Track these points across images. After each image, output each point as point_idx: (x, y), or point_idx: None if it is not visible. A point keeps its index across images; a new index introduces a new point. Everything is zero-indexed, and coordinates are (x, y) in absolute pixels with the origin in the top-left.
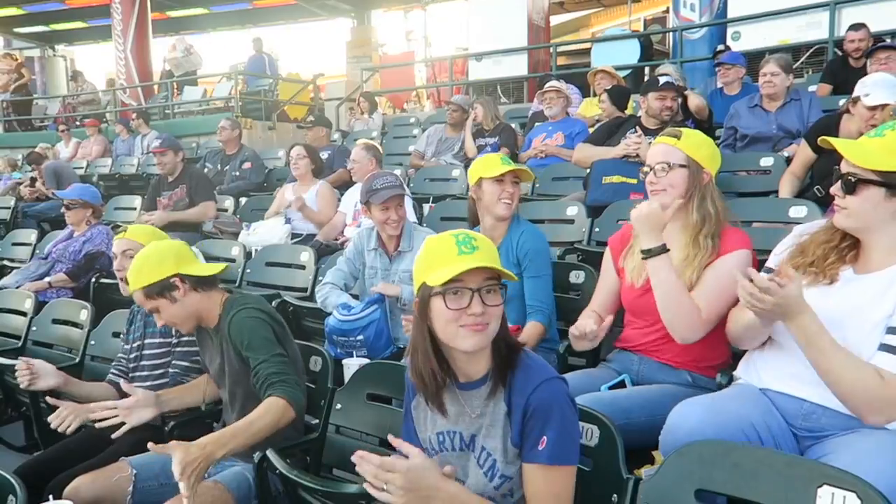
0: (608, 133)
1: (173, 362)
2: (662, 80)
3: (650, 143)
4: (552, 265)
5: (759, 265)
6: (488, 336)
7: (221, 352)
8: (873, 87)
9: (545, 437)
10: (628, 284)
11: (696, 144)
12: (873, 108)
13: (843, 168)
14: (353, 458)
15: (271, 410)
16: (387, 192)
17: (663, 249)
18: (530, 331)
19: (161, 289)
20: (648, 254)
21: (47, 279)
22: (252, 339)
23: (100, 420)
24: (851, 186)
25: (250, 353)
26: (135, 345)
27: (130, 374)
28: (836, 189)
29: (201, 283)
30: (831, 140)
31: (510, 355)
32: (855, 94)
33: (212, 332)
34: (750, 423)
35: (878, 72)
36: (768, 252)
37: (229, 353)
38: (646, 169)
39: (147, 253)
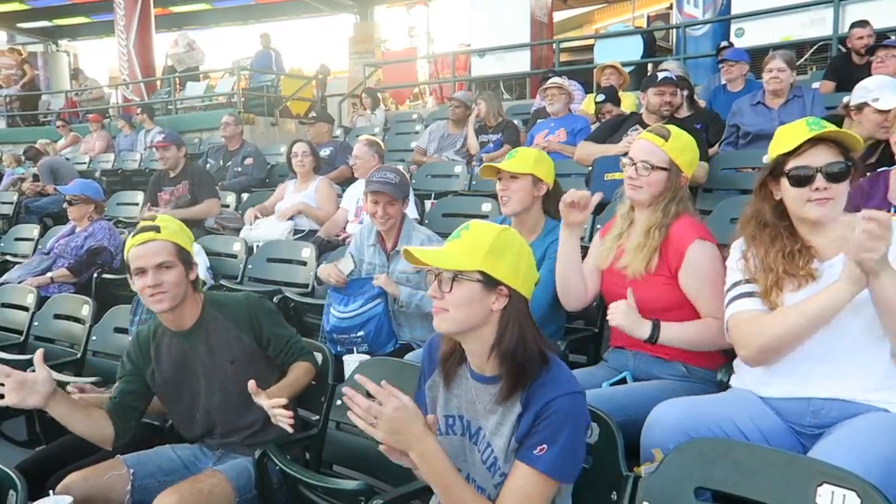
0: (610, 130)
1: None
2: (661, 75)
3: None
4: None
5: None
6: (448, 321)
7: (205, 350)
8: (881, 91)
9: (546, 447)
10: (598, 267)
11: (680, 148)
12: (884, 112)
13: (823, 160)
14: (343, 391)
15: (310, 372)
16: (374, 185)
17: (657, 327)
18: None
19: (186, 259)
20: (652, 339)
21: (49, 274)
22: (275, 319)
23: None
24: (844, 174)
25: (279, 332)
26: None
27: None
28: (819, 183)
29: (194, 282)
30: (836, 130)
31: (527, 364)
32: (858, 100)
33: (181, 335)
34: (732, 424)
35: (876, 75)
36: None
37: (222, 347)
38: (626, 161)
39: (183, 225)
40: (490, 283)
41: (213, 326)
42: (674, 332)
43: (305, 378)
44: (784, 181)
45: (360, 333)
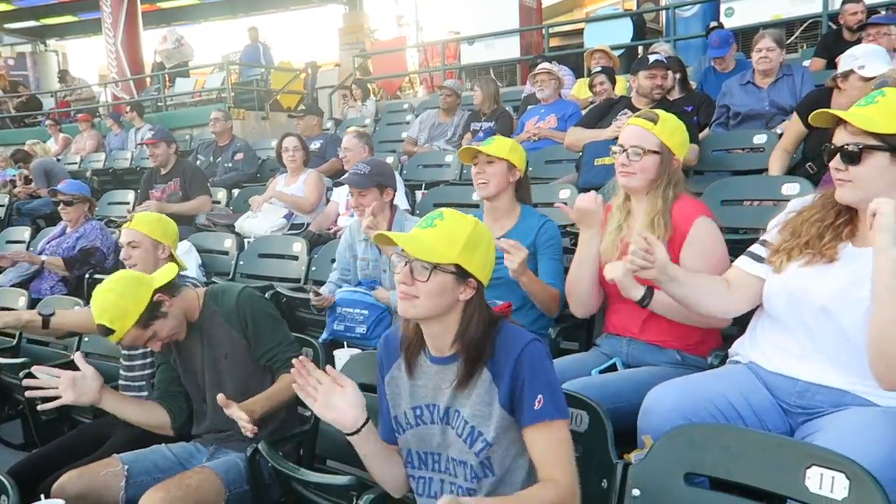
0: (599, 115)
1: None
2: (652, 58)
3: None
4: None
5: (745, 242)
6: (417, 307)
7: (204, 343)
8: (867, 59)
9: (541, 396)
10: (603, 261)
11: (670, 130)
12: (869, 79)
13: (841, 139)
14: (294, 363)
15: (287, 385)
16: (344, 179)
17: (650, 292)
18: (551, 290)
19: (151, 314)
20: (643, 301)
21: (42, 256)
22: (265, 324)
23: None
24: (856, 156)
25: (265, 334)
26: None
27: (124, 371)
28: (836, 163)
29: (174, 287)
30: (834, 111)
31: (486, 345)
32: (845, 67)
33: (191, 328)
34: (726, 401)
35: (865, 44)
36: (760, 229)
37: (216, 342)
38: (617, 148)
39: (118, 292)
40: (462, 275)
41: (212, 320)
42: (667, 299)
43: (287, 392)
44: None
45: (364, 312)
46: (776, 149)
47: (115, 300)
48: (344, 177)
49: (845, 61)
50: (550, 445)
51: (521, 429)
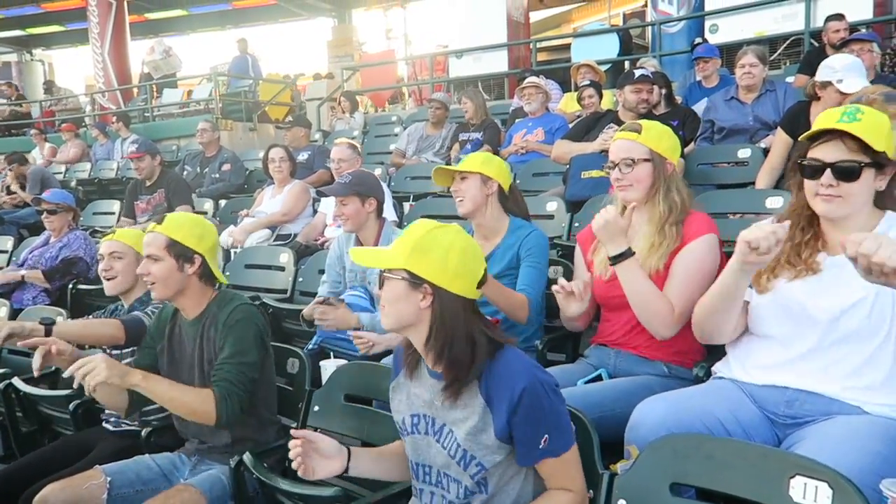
0: (586, 128)
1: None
2: (637, 73)
3: None
4: None
5: (730, 255)
6: (386, 316)
7: (198, 343)
8: (845, 73)
9: (547, 436)
10: (596, 276)
11: (657, 136)
12: (846, 94)
13: (834, 156)
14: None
15: (203, 401)
16: (330, 186)
17: (629, 253)
18: (521, 297)
19: (181, 253)
20: (616, 260)
21: (21, 271)
22: (234, 340)
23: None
24: (856, 173)
25: (225, 350)
26: None
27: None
28: (828, 179)
29: (207, 277)
30: (841, 126)
31: (459, 361)
32: (823, 77)
33: (188, 323)
34: (714, 418)
35: (844, 54)
36: None
37: (208, 345)
38: (609, 165)
39: (196, 221)
40: (416, 281)
41: (209, 322)
42: (639, 272)
43: (191, 401)
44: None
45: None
46: (764, 166)
47: (190, 219)
48: (333, 187)
49: (823, 71)
50: (560, 468)
51: (526, 465)
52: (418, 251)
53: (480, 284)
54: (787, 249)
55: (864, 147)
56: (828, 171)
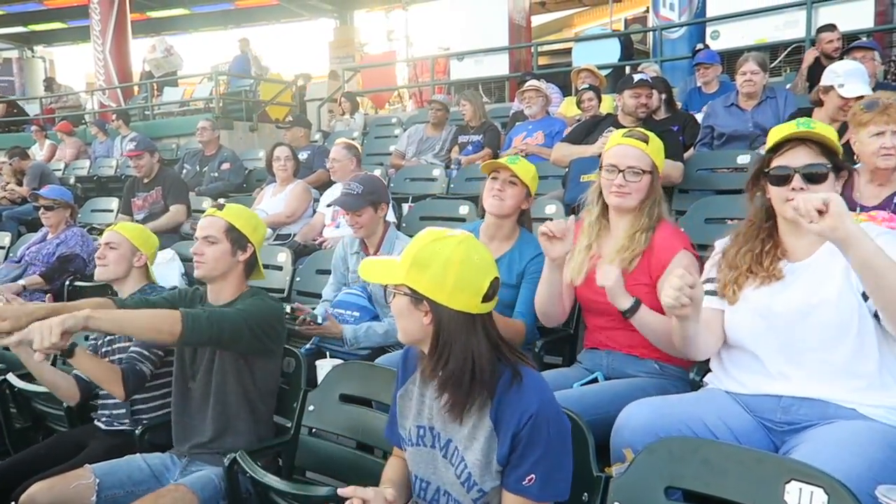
0: (586, 132)
1: (132, 347)
2: (636, 77)
3: None
4: None
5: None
6: (399, 330)
7: None
8: (847, 78)
9: (533, 476)
10: (567, 281)
11: (658, 149)
12: (847, 99)
13: (802, 161)
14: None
15: (167, 315)
16: (342, 201)
17: (637, 304)
18: (516, 324)
19: (238, 239)
20: (629, 313)
21: (21, 281)
22: (244, 307)
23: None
24: (824, 176)
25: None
26: (106, 338)
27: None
28: (798, 183)
29: (250, 269)
30: (810, 132)
31: (460, 380)
32: (826, 82)
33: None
34: (701, 423)
35: (848, 60)
36: None
37: None
38: (609, 168)
39: (252, 213)
40: (416, 297)
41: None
42: (651, 317)
43: (153, 317)
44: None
45: (355, 314)
46: None
47: (250, 212)
48: (336, 199)
49: (827, 76)
50: None
51: (502, 487)
52: (416, 266)
53: (488, 298)
54: (749, 259)
55: (826, 151)
56: (797, 176)
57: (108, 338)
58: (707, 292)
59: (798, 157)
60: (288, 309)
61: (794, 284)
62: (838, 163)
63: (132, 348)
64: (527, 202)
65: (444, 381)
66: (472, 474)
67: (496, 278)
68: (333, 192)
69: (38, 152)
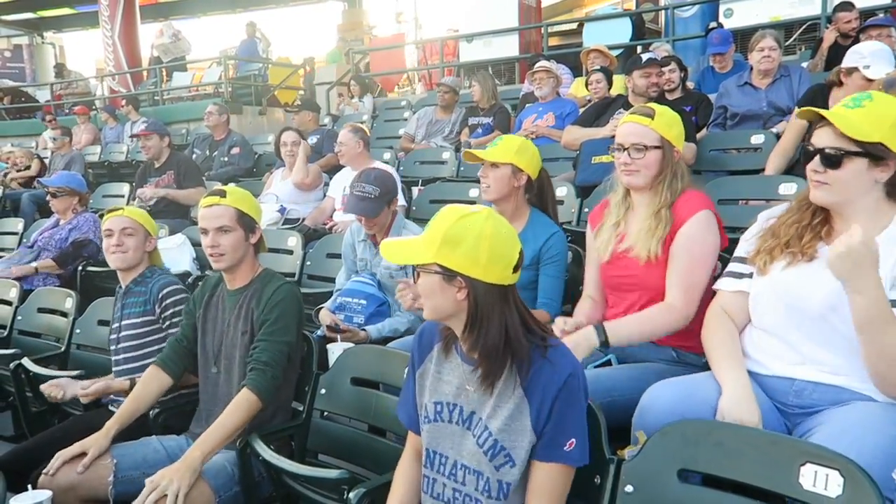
0: (596, 114)
1: (159, 345)
2: (645, 56)
3: None
4: None
5: (731, 242)
6: (425, 308)
7: (235, 314)
8: (873, 59)
9: (574, 440)
10: (600, 259)
11: (668, 124)
12: (871, 81)
13: (822, 141)
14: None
15: (241, 407)
16: (349, 208)
17: (604, 335)
18: (540, 314)
19: (248, 223)
20: (604, 343)
21: (34, 264)
22: (276, 317)
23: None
24: (837, 160)
25: (266, 328)
26: (114, 326)
27: (113, 358)
28: (815, 164)
29: (256, 249)
30: (820, 111)
31: (498, 352)
32: (850, 63)
33: (229, 293)
34: None
35: (872, 41)
36: None
37: (246, 317)
38: (617, 147)
39: (249, 194)
40: (449, 274)
41: (252, 295)
42: (623, 327)
43: (236, 416)
44: None
45: (362, 302)
46: (776, 149)
47: (250, 197)
48: (351, 206)
49: (851, 57)
50: (555, 487)
51: (536, 459)
52: (448, 243)
53: (517, 268)
54: (793, 232)
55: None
56: (817, 157)
57: (118, 346)
58: (735, 274)
59: (822, 137)
60: (326, 324)
61: (825, 272)
62: (873, 149)
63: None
64: (518, 178)
65: (485, 353)
66: (499, 440)
67: (521, 249)
68: (343, 176)
69: (49, 139)
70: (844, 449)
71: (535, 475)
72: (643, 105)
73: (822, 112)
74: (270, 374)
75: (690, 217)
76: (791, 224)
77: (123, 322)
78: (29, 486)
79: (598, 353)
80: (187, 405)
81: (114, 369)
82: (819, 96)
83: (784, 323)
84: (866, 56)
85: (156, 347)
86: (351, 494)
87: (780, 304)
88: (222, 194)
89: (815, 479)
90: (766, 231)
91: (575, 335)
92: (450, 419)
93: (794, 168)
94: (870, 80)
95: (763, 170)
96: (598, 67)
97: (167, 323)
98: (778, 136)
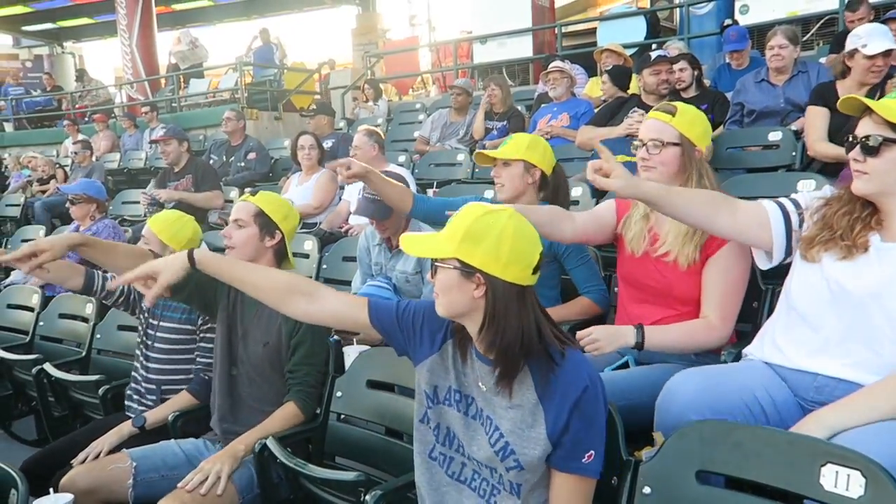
0: (610, 114)
1: (198, 358)
2: (654, 54)
3: None
4: None
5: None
6: (439, 305)
7: (259, 320)
8: (868, 37)
9: (593, 452)
10: (628, 253)
11: (689, 121)
12: (873, 57)
13: (864, 130)
14: None
15: (287, 419)
16: (357, 212)
17: (641, 332)
18: (580, 302)
19: (266, 224)
20: (639, 346)
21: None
22: (312, 342)
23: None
24: (875, 148)
25: (302, 350)
26: (151, 321)
27: (144, 343)
28: (855, 153)
29: (281, 257)
30: (863, 99)
31: (513, 353)
32: (849, 47)
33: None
34: (752, 394)
35: (871, 23)
36: None
37: (264, 323)
38: (637, 143)
39: (284, 202)
40: (468, 270)
41: None
42: (661, 335)
43: (278, 423)
44: None
45: None
46: (815, 141)
47: (282, 200)
48: (361, 209)
49: (850, 41)
50: (575, 499)
51: (554, 468)
52: (469, 239)
53: (536, 269)
54: (845, 224)
55: (891, 123)
56: (857, 147)
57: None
58: (778, 203)
59: (863, 127)
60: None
61: (876, 264)
62: None
63: (198, 358)
64: (531, 175)
65: (501, 352)
66: (509, 442)
67: (542, 251)
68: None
69: (70, 146)
70: (866, 448)
71: (555, 484)
72: (667, 103)
73: (863, 99)
74: (316, 395)
75: (723, 242)
76: (843, 214)
77: (162, 324)
78: (51, 490)
79: (616, 355)
80: (204, 410)
81: (142, 366)
82: (826, 91)
83: (824, 311)
84: (862, 36)
85: (187, 356)
86: (367, 497)
87: (825, 291)
88: (254, 194)
89: (837, 479)
90: (820, 222)
91: (613, 329)
92: (458, 409)
93: (812, 165)
94: (871, 58)
95: (781, 167)
96: (610, 67)
97: (202, 335)
98: (796, 133)
